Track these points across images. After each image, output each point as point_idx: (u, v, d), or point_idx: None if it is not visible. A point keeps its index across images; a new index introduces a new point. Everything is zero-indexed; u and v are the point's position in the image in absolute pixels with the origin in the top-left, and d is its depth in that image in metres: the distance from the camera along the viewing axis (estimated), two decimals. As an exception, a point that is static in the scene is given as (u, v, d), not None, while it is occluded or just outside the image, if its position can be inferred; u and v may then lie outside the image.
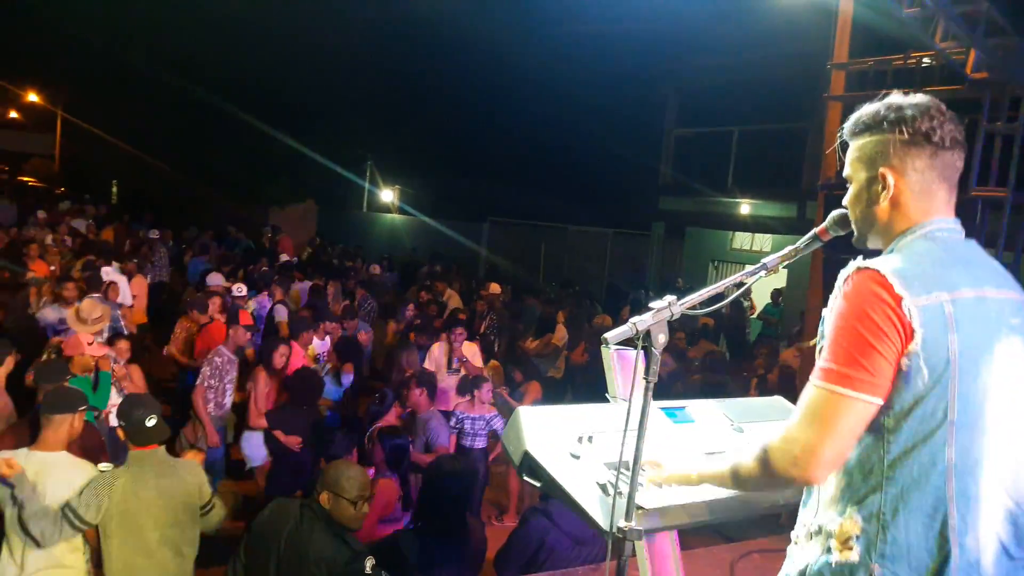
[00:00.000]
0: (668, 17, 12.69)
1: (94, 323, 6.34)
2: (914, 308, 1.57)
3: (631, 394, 1.86)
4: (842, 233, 1.96)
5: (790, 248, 2.02)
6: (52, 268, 9.07)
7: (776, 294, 14.23)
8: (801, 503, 1.86)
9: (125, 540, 3.80)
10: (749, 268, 2.01)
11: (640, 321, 1.81)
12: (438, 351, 7.70)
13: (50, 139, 32.80)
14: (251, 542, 3.57)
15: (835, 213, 1.95)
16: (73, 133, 30.21)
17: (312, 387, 6.37)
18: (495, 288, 11.43)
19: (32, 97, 31.24)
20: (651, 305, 1.84)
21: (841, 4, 7.57)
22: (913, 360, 1.57)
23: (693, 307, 1.90)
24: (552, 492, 2.06)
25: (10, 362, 5.04)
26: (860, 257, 1.69)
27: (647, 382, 1.82)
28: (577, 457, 2.07)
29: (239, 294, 9.47)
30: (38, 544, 3.71)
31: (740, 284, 2.06)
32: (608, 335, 1.80)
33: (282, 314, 9.44)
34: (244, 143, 20.47)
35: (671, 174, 16.80)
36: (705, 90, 15.47)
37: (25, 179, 31.88)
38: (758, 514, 2.20)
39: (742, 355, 13.09)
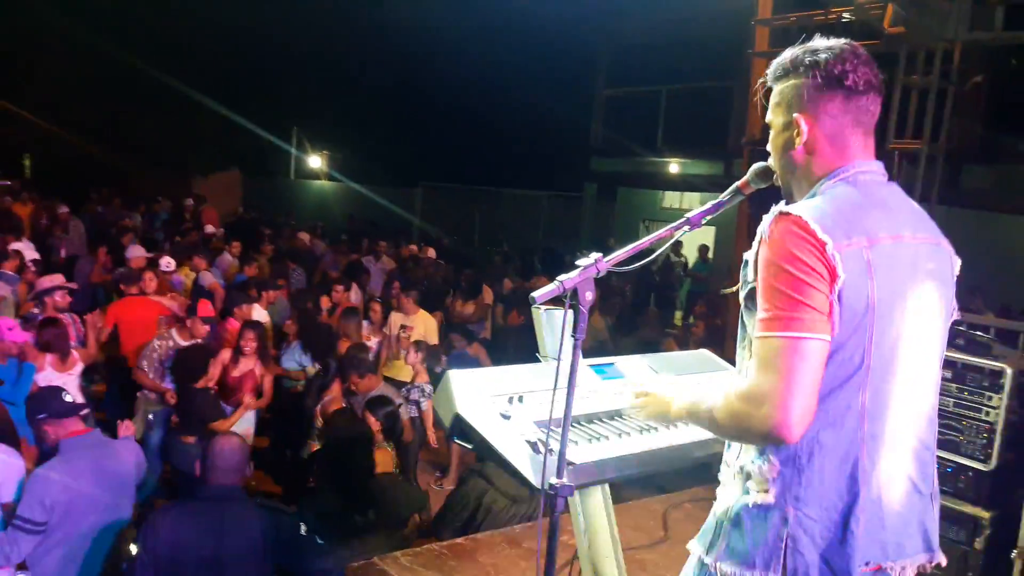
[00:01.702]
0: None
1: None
2: (836, 253, 1.57)
3: (559, 352, 1.86)
4: (763, 186, 1.97)
5: (712, 202, 2.03)
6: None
7: (704, 250, 14.49)
8: (725, 444, 1.88)
9: (67, 530, 3.67)
10: (674, 223, 2.01)
11: (567, 279, 1.80)
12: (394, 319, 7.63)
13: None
14: (164, 566, 3.21)
15: (756, 166, 1.97)
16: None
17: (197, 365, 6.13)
18: (430, 253, 11.34)
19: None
20: (577, 263, 1.83)
21: (764, -41, 7.64)
22: (836, 305, 1.58)
23: (619, 264, 1.90)
24: (484, 453, 2.07)
25: None
26: (782, 203, 1.70)
27: (575, 339, 1.82)
28: (508, 417, 2.07)
29: (167, 268, 9.14)
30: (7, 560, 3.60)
31: (666, 239, 2.06)
32: (535, 294, 1.79)
33: (208, 279, 9.17)
34: (165, 110, 19.75)
35: (602, 135, 16.84)
36: (635, 49, 15.49)
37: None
38: (689, 465, 2.24)
39: (672, 313, 13.35)
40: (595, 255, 1.85)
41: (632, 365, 2.60)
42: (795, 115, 1.75)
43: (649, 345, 8.06)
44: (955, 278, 1.85)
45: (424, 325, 7.39)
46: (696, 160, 14.62)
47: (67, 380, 5.69)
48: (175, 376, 6.17)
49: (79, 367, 5.88)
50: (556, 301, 1.88)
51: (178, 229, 13.58)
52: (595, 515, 2.55)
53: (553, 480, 1.85)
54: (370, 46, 17.33)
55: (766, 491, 1.69)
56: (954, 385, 3.64)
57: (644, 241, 1.95)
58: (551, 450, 1.89)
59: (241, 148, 20.41)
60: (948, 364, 3.65)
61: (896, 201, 1.78)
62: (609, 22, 15.37)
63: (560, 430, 1.91)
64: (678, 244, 15.39)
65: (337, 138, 21.38)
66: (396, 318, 7.50)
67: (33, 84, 21.42)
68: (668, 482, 5.60)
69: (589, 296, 1.81)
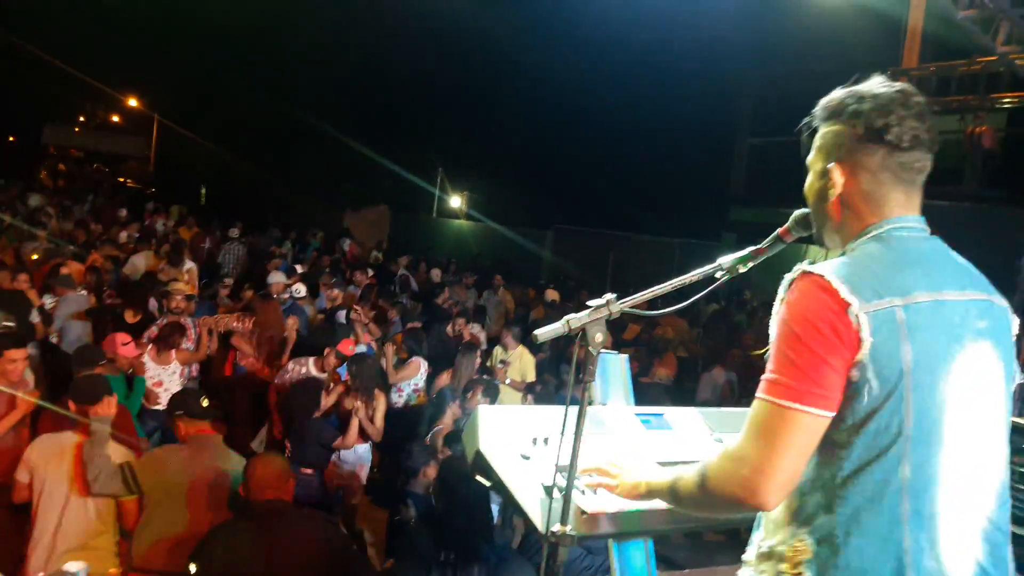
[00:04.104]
0: (740, 24, 12.46)
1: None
2: (862, 315, 1.46)
3: (580, 394, 1.80)
4: (805, 234, 1.87)
5: (751, 248, 1.94)
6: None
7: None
8: (754, 524, 1.76)
9: (169, 512, 3.89)
10: (703, 268, 1.93)
11: (575, 319, 1.75)
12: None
13: (146, 142, 34.43)
14: None
15: (798, 213, 1.87)
16: (167, 137, 31.72)
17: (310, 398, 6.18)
18: (552, 295, 11.38)
19: (131, 102, 32.92)
20: (588, 303, 1.78)
21: (911, 11, 7.30)
22: (862, 371, 1.47)
23: (635, 307, 1.83)
24: (499, 492, 2.03)
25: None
26: (806, 261, 1.60)
27: (584, 382, 1.77)
28: (527, 458, 2.03)
29: (298, 295, 9.58)
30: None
31: (697, 285, 1.97)
32: (539, 332, 1.75)
33: (343, 317, 9.50)
34: (323, 149, 21.12)
35: (743, 184, 16.44)
36: (780, 98, 15.13)
37: (122, 180, 33.59)
38: (709, 526, 2.11)
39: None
40: (608, 296, 1.79)
41: (683, 418, 2.48)
42: (830, 165, 1.65)
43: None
44: (1015, 337, 1.66)
45: (521, 361, 7.43)
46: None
47: (161, 372, 6.18)
48: (290, 408, 6.23)
49: (174, 365, 6.40)
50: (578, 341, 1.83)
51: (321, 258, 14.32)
52: (636, 574, 2.43)
53: (556, 528, 1.79)
54: (510, 93, 17.85)
55: (800, 574, 1.56)
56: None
57: (667, 285, 1.87)
58: (563, 495, 1.84)
59: (389, 186, 21.46)
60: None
61: (938, 257, 1.63)
62: (752, 71, 15.11)
63: (577, 476, 1.86)
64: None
65: (476, 179, 22.08)
66: (498, 352, 7.59)
67: (212, 122, 23.50)
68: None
69: (599, 337, 1.75)
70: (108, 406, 4.04)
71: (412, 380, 7.32)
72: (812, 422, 1.48)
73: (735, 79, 15.96)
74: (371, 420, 6.18)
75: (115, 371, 5.59)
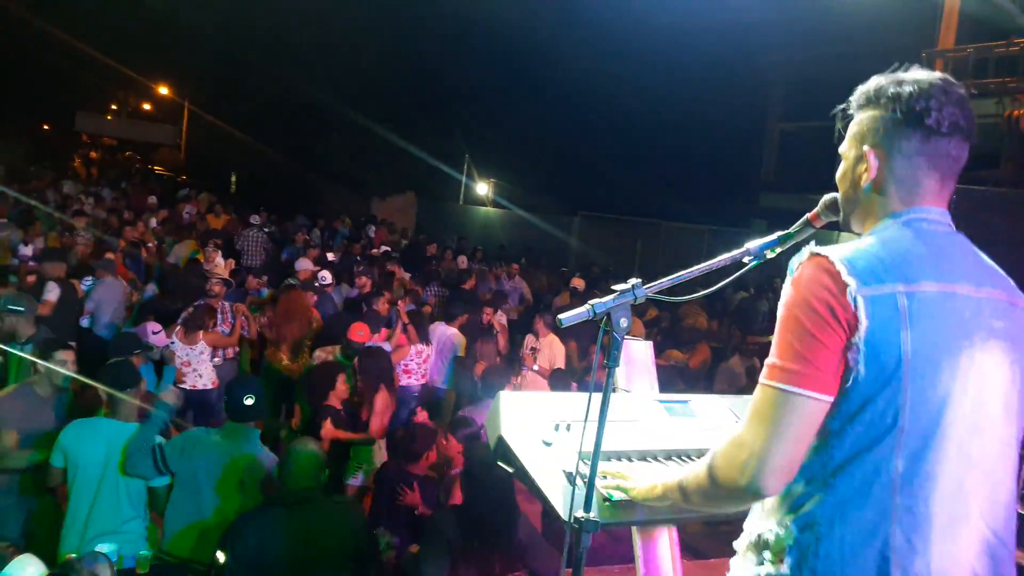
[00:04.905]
0: (771, 7, 12.27)
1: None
2: (860, 297, 1.42)
3: (604, 380, 1.78)
4: (835, 218, 1.83)
5: (780, 233, 1.90)
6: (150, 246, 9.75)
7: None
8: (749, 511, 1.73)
9: (197, 497, 3.95)
10: (730, 253, 1.89)
11: (599, 304, 1.73)
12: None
13: (177, 130, 34.82)
14: (252, 572, 3.26)
15: (827, 197, 1.83)
16: (198, 124, 32.05)
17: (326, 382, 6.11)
18: (578, 282, 11.33)
19: (162, 90, 33.29)
20: (614, 287, 1.76)
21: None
22: (857, 355, 1.43)
23: (660, 292, 1.81)
24: (522, 479, 2.02)
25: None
26: (813, 243, 1.57)
27: (608, 368, 1.75)
28: (549, 444, 2.01)
29: (324, 282, 9.62)
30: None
31: (724, 271, 1.94)
32: (563, 316, 1.73)
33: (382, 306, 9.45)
34: (351, 136, 21.20)
35: (774, 169, 16.25)
36: (812, 83, 14.89)
37: (153, 168, 34.01)
38: (728, 519, 2.07)
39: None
40: (633, 280, 1.77)
41: (708, 405, 2.45)
42: (865, 148, 1.61)
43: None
44: None
45: (551, 348, 7.41)
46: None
47: (189, 352, 6.25)
48: (308, 393, 6.20)
49: (201, 345, 6.47)
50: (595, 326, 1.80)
51: (352, 246, 14.40)
52: (657, 561, 2.41)
53: (579, 514, 1.78)
54: (537, 80, 17.76)
55: (781, 561, 1.53)
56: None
57: (693, 270, 1.84)
58: (585, 481, 1.82)
59: (417, 173, 21.52)
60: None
61: (958, 252, 1.58)
62: (783, 55, 14.88)
63: (602, 463, 1.84)
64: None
65: (503, 167, 22.08)
66: (529, 339, 7.60)
67: (242, 109, 23.67)
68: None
69: (624, 323, 1.73)
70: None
71: (402, 361, 7.26)
72: (811, 406, 1.46)
73: (766, 63, 15.75)
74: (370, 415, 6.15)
75: (146, 360, 5.69)
